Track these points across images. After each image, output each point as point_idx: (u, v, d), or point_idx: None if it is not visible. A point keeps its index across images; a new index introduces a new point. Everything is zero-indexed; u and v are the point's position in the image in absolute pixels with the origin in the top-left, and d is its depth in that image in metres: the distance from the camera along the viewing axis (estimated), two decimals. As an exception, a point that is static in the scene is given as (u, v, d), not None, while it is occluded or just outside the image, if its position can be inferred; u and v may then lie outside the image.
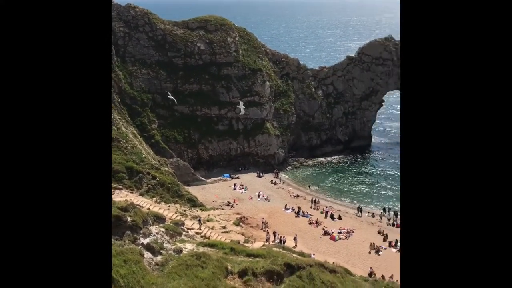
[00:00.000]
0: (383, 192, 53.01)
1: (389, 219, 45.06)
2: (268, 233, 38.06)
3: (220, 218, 39.59)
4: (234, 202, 46.99)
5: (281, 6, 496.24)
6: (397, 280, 30.03)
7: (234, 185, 52.08)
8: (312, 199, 48.65)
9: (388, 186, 54.35)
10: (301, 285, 15.17)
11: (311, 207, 47.37)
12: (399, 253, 37.81)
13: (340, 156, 63.94)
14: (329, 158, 62.75)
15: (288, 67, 66.38)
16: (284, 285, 15.14)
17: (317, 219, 43.77)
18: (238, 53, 60.01)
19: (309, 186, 54.65)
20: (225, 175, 54.77)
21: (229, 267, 15.53)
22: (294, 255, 20.45)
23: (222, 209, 44.37)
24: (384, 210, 47.24)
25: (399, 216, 45.36)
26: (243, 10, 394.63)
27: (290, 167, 60.68)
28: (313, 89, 66.33)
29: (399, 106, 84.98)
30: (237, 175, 55.04)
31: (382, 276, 30.99)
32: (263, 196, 48.95)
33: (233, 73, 59.23)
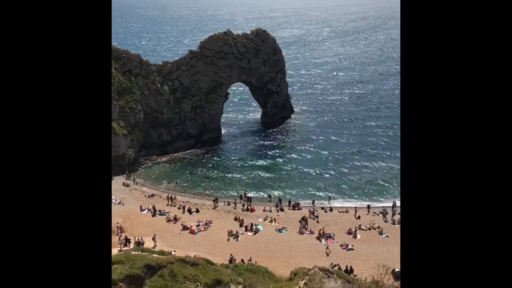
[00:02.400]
0: (236, 180, 55.25)
1: (243, 205, 47.28)
2: (125, 238, 36.41)
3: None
4: (83, 210, 43.41)
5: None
6: (256, 262, 31.85)
7: (82, 192, 48.07)
8: (168, 196, 48.08)
9: (238, 176, 56.84)
10: (163, 284, 14.92)
11: (167, 205, 46.79)
12: (255, 236, 40.20)
13: (193, 150, 64.43)
14: (182, 153, 62.70)
15: (130, 63, 63.84)
16: (145, 287, 14.69)
17: (175, 215, 43.48)
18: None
19: (166, 183, 53.86)
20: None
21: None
22: (154, 255, 19.96)
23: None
24: (240, 197, 49.33)
25: (253, 201, 47.99)
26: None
27: (142, 166, 58.82)
28: (159, 85, 65.18)
29: (244, 97, 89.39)
30: (84, 182, 50.85)
31: (242, 260, 32.45)
32: (115, 200, 46.49)
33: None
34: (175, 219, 42.70)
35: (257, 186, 53.57)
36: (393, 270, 32.66)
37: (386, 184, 52.26)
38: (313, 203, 47.56)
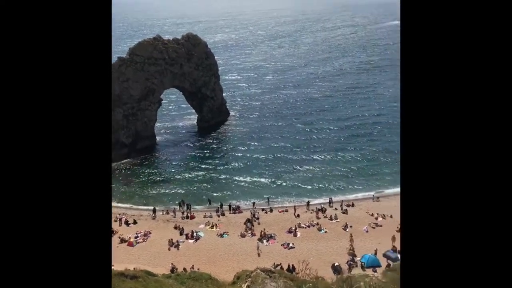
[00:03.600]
0: (174, 188, 54.20)
1: (183, 213, 46.48)
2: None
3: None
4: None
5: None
6: (198, 269, 31.40)
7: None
8: (103, 209, 45.96)
9: (175, 183, 55.84)
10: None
11: (103, 218, 44.74)
12: (196, 243, 39.67)
13: (128, 160, 62.31)
14: (115, 164, 60.38)
15: (54, 72, 60.28)
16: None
17: (112, 228, 41.73)
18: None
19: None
20: None
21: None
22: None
23: None
24: (179, 204, 48.42)
25: (193, 208, 47.31)
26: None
27: (73, 180, 55.67)
28: (87, 94, 62.11)
29: (179, 103, 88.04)
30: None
31: (184, 269, 31.87)
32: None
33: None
34: (112, 232, 40.97)
35: (196, 192, 52.94)
36: (333, 264, 33.80)
37: (323, 182, 53.94)
38: (253, 206, 47.91)
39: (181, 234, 41.25)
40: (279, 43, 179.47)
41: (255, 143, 67.25)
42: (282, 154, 62.56)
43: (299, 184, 53.67)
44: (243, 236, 40.75)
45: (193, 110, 77.57)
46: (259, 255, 36.58)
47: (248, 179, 55.80)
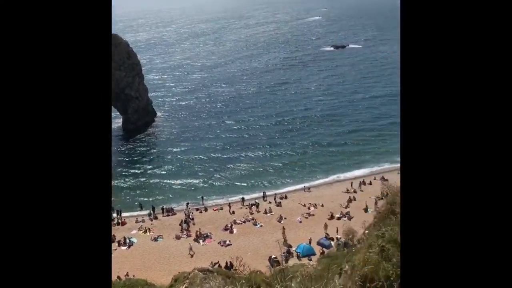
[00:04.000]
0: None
1: (113, 219, 44.60)
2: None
3: None
4: None
5: None
6: (133, 276, 30.29)
7: None
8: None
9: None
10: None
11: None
12: (129, 249, 38.26)
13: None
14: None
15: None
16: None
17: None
18: None
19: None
20: None
21: None
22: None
23: None
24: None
25: (123, 214, 45.52)
26: None
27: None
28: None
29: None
30: None
31: (118, 277, 30.59)
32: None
33: None
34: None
35: (125, 199, 50.99)
36: (270, 257, 34.34)
37: (256, 177, 54.56)
38: (187, 206, 47.21)
39: (112, 241, 39.54)
40: (203, 40, 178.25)
41: (186, 144, 66.21)
42: (214, 154, 62.25)
43: (233, 182, 53.81)
44: (178, 238, 40.02)
45: (118, 113, 74.58)
46: (191, 256, 36.09)
47: (180, 181, 54.81)
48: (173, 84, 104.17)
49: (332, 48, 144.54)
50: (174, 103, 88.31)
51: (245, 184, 53.02)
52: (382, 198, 35.43)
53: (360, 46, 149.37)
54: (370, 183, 49.77)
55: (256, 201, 47.22)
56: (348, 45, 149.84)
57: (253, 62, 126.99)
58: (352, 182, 50.33)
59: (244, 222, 42.60)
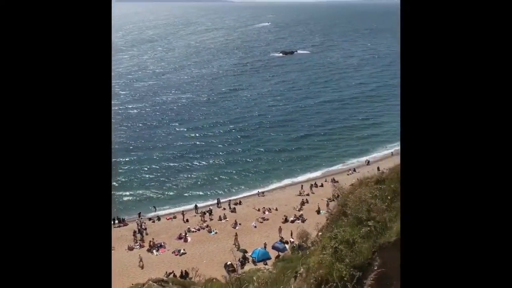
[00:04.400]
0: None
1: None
2: None
3: None
4: None
5: None
6: None
7: None
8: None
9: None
10: None
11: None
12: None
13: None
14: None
15: None
16: None
17: None
18: None
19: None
20: None
21: None
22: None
23: None
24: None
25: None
26: None
27: None
28: None
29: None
30: None
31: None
32: None
33: None
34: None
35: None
36: (225, 263, 34.19)
37: (210, 185, 54.15)
38: (139, 216, 46.01)
39: (60, 258, 37.74)
40: (151, 46, 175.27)
41: (136, 153, 64.41)
42: (166, 163, 61.05)
43: (187, 191, 53.13)
44: (131, 249, 38.90)
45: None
46: (141, 267, 35.18)
47: (131, 192, 53.29)
48: (122, 92, 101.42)
49: (281, 54, 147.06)
50: (121, 111, 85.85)
51: (199, 192, 52.50)
52: (333, 200, 36.32)
53: (308, 52, 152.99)
54: (322, 185, 50.94)
55: (210, 207, 46.91)
56: (296, 51, 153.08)
57: (203, 68, 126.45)
58: (302, 185, 51.32)
59: (199, 230, 42.16)
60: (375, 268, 9.35)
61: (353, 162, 58.76)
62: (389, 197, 10.86)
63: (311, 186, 50.85)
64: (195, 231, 41.88)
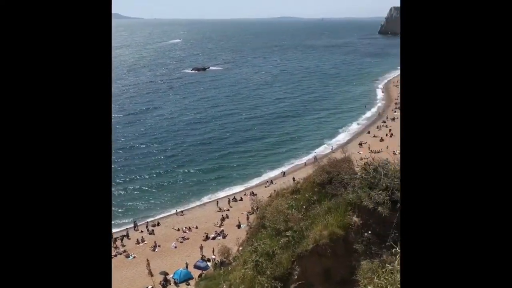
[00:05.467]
0: None
1: None
2: None
3: None
4: None
5: None
6: None
7: None
8: None
9: None
10: None
11: None
12: None
13: None
14: None
15: None
16: None
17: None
18: None
19: None
20: None
21: None
22: None
23: None
24: None
25: None
26: None
27: None
28: None
29: None
30: None
31: None
32: None
33: None
34: None
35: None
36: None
37: (123, 207, 51.71)
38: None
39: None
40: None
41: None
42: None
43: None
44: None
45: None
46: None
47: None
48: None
49: (193, 71, 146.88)
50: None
51: (120, 211, 49.95)
52: (253, 213, 36.75)
53: (221, 68, 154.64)
54: (241, 199, 51.31)
55: (127, 230, 44.82)
56: (209, 67, 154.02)
57: (113, 87, 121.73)
58: (217, 202, 51.28)
59: (115, 255, 39.98)
60: (295, 278, 9.58)
61: (271, 174, 60.09)
62: (304, 206, 11.25)
63: (229, 201, 51.03)
64: (112, 257, 39.67)
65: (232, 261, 17.03)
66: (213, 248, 37.25)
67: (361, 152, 56.63)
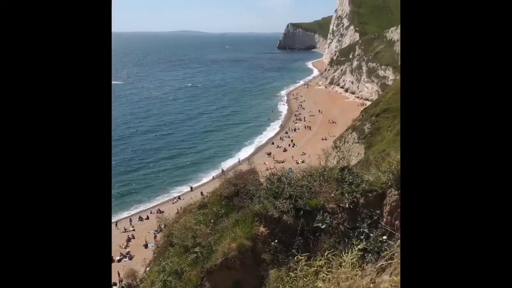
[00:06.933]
0: None
1: None
2: None
3: None
4: None
5: None
6: None
7: None
8: None
9: None
10: None
11: None
12: None
13: None
14: None
15: None
16: None
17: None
18: None
19: None
20: None
21: None
22: None
23: None
24: None
25: None
26: None
27: None
28: None
29: None
30: None
31: None
32: None
33: None
34: None
35: None
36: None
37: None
38: None
39: None
40: None
41: None
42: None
43: None
44: None
45: None
46: None
47: None
48: None
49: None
50: None
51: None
52: (160, 231, 35.61)
53: (121, 82, 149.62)
54: (148, 218, 49.54)
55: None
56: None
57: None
58: (117, 223, 49.04)
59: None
60: (205, 293, 9.41)
61: (179, 190, 59.05)
62: (212, 221, 11.16)
63: (130, 220, 49.01)
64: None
65: (139, 283, 16.29)
66: (118, 272, 35.29)
67: (266, 163, 58.26)
